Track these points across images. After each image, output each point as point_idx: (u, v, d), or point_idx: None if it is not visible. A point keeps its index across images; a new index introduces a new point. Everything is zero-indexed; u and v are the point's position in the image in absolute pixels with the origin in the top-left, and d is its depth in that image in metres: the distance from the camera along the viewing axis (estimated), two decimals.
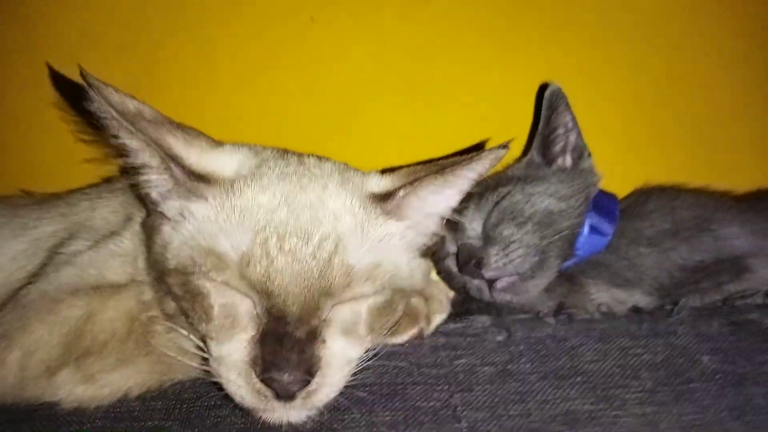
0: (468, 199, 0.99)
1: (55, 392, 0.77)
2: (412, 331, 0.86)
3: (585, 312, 0.92)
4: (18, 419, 0.76)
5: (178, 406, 0.77)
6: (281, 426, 0.72)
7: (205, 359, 0.74)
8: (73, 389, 0.77)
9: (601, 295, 0.98)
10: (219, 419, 0.75)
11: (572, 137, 1.09)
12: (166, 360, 0.79)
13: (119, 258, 0.87)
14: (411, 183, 0.78)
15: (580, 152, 1.09)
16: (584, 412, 0.73)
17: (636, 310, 0.91)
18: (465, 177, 0.79)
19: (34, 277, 0.88)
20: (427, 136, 1.23)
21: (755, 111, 1.28)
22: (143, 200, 0.85)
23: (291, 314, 0.69)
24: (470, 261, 0.97)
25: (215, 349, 0.71)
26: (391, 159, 1.06)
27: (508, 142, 0.79)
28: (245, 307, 0.71)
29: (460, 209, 0.91)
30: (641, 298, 0.97)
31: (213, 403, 0.77)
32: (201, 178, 0.75)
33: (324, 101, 1.26)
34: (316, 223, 0.73)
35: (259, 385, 0.67)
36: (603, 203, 1.05)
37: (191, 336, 0.75)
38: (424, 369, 0.81)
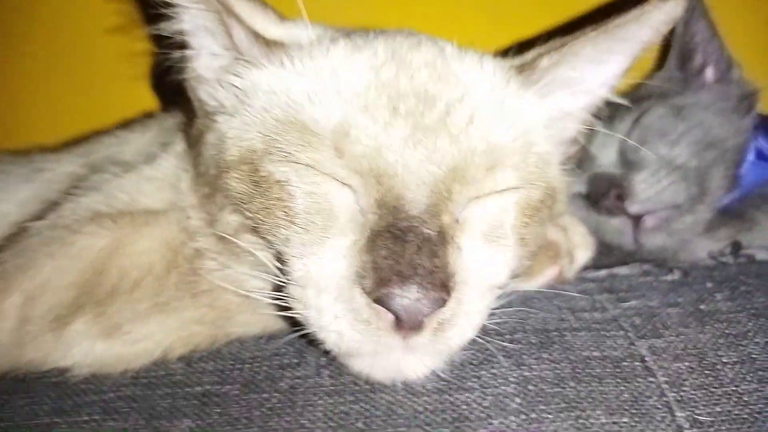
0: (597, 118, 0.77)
1: (67, 351, 0.55)
2: (552, 270, 0.64)
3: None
4: (12, 391, 0.54)
5: (239, 366, 0.55)
6: (394, 383, 0.48)
7: (280, 291, 0.51)
8: (92, 347, 0.55)
9: None
10: (297, 381, 0.52)
11: (713, 47, 0.87)
12: (221, 305, 0.57)
13: (156, 182, 0.66)
14: (558, 48, 0.57)
15: (727, 64, 0.86)
16: None
17: None
18: (632, 39, 0.58)
19: (44, 211, 0.67)
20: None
21: None
22: (187, 107, 0.64)
23: (415, 204, 0.47)
24: (609, 192, 0.75)
25: (299, 265, 0.48)
26: None
27: None
28: (343, 199, 0.49)
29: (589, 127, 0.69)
30: None
31: (287, 362, 0.54)
32: (272, 43, 0.56)
33: None
34: (440, 85, 0.52)
35: (369, 310, 0.44)
36: None
37: (262, 257, 0.52)
38: (581, 313, 0.57)
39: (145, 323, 0.56)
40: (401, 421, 0.48)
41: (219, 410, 0.50)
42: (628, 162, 0.77)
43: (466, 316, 0.47)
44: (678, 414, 0.47)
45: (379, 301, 0.44)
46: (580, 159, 0.81)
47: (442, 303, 0.44)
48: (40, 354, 0.55)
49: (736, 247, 0.70)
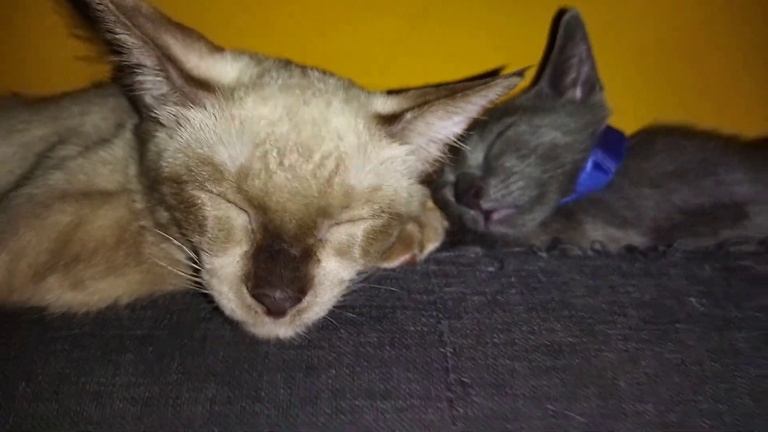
0: (471, 127, 0.97)
1: (44, 297, 0.77)
2: (405, 257, 0.85)
3: (579, 248, 0.91)
4: (4, 323, 0.77)
5: (168, 316, 0.77)
6: (269, 341, 0.72)
7: (197, 270, 0.73)
8: (62, 294, 0.77)
9: (597, 233, 0.97)
10: (208, 331, 0.75)
11: (585, 69, 1.06)
12: (157, 270, 0.79)
13: (110, 165, 0.85)
14: (420, 106, 0.76)
15: (593, 85, 1.06)
16: (567, 345, 0.74)
17: (630, 249, 0.90)
18: (475, 103, 0.76)
19: (23, 180, 0.86)
20: (438, 62, 1.19)
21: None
22: (136, 105, 0.82)
23: (287, 231, 0.68)
24: (469, 191, 0.96)
25: (208, 261, 0.71)
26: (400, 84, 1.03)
27: (524, 69, 0.76)
28: (240, 221, 0.70)
29: (463, 137, 0.89)
30: (636, 238, 0.97)
31: (203, 315, 0.77)
32: (199, 84, 0.72)
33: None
34: (318, 140, 0.71)
35: (250, 300, 0.67)
36: (610, 140, 1.03)
37: (184, 247, 0.74)
38: (415, 295, 0.81)
39: (100, 281, 0.77)
40: (272, 366, 0.71)
41: (152, 348, 0.73)
42: (489, 166, 0.98)
43: (319, 304, 0.71)
44: (451, 375, 0.71)
45: (255, 297, 0.67)
46: (456, 156, 1.03)
47: (299, 300, 0.67)
48: (24, 297, 0.77)
49: (554, 242, 0.93)
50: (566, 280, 0.82)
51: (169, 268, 0.76)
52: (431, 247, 0.89)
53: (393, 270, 0.85)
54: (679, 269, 0.84)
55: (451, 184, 1.03)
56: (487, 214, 0.97)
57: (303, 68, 0.81)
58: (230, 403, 0.68)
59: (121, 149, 0.87)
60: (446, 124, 0.79)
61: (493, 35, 1.19)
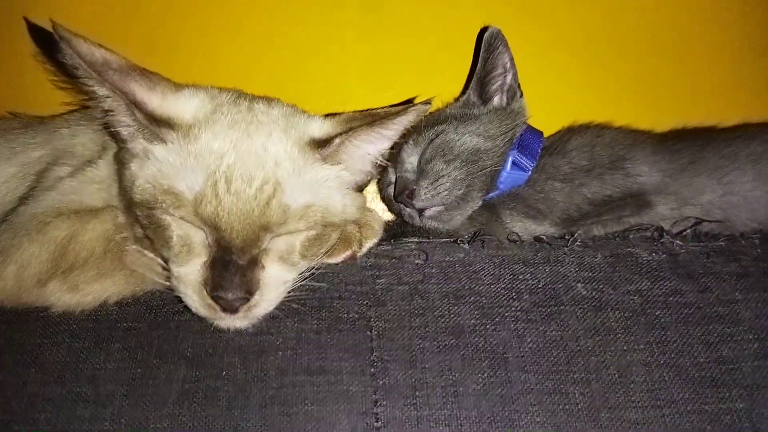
0: (409, 134, 1.13)
1: (47, 299, 0.94)
2: (346, 254, 1.02)
3: (498, 239, 1.07)
4: (16, 321, 0.94)
5: (148, 311, 0.95)
6: (229, 330, 0.90)
7: (168, 277, 0.91)
8: (62, 297, 0.94)
9: (515, 225, 1.13)
10: (181, 323, 0.93)
11: (509, 78, 1.20)
12: (138, 274, 0.96)
13: (96, 185, 1.01)
14: (346, 132, 0.91)
15: (514, 93, 1.20)
16: (469, 326, 0.90)
17: (538, 239, 1.05)
18: (393, 129, 0.93)
19: (24, 199, 1.03)
20: (371, 79, 1.34)
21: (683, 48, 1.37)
22: (114, 137, 0.98)
23: (235, 245, 0.84)
24: (404, 192, 1.12)
25: (175, 270, 0.88)
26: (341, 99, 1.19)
27: (430, 99, 0.92)
28: (199, 238, 0.86)
29: (401, 143, 1.06)
30: (549, 229, 1.13)
31: (177, 309, 0.94)
32: (162, 122, 0.87)
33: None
34: (258, 168, 0.86)
35: (209, 300, 0.85)
36: (527, 140, 1.18)
37: (156, 258, 0.91)
38: (350, 286, 0.98)
39: (92, 284, 0.94)
40: (231, 350, 0.89)
41: (135, 339, 0.91)
42: (421, 171, 1.14)
43: (266, 301, 0.88)
44: (374, 354, 0.88)
45: (213, 298, 0.84)
46: (397, 159, 1.19)
47: (247, 300, 0.84)
48: (30, 300, 0.94)
49: (475, 234, 1.09)
50: (477, 270, 0.99)
51: (146, 274, 0.93)
52: (369, 243, 1.05)
53: (336, 265, 1.02)
54: (574, 257, 1.00)
55: (393, 184, 1.19)
56: (421, 212, 1.13)
57: (251, 101, 0.96)
58: (197, 381, 0.86)
59: (105, 169, 1.03)
60: (370, 146, 0.94)
61: (424, 50, 1.34)
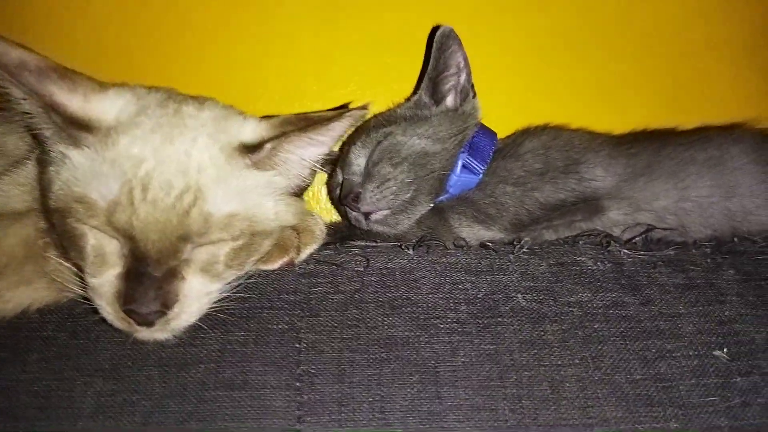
0: (357, 135, 1.09)
1: None
2: (283, 260, 0.98)
3: (443, 245, 1.03)
4: None
5: (69, 319, 0.91)
6: (150, 342, 0.86)
7: (85, 286, 0.87)
8: None
9: (463, 230, 1.09)
10: (101, 332, 0.89)
11: (462, 78, 1.16)
12: (60, 280, 0.92)
13: (21, 187, 0.98)
14: (277, 137, 0.87)
15: (467, 93, 1.16)
16: (402, 338, 0.87)
17: (483, 245, 1.02)
18: (327, 135, 0.88)
19: None
20: (321, 80, 1.30)
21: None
22: (37, 138, 0.94)
23: (150, 256, 0.80)
24: (349, 195, 1.08)
25: (89, 280, 0.84)
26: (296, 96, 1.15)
27: (367, 104, 0.88)
28: (113, 248, 0.82)
29: (349, 142, 1.02)
30: (498, 234, 1.09)
31: (98, 318, 0.90)
32: (80, 126, 0.83)
33: None
34: (179, 175, 0.82)
35: (123, 314, 0.81)
36: (479, 143, 1.14)
37: (72, 267, 0.87)
38: (284, 295, 0.94)
39: (13, 291, 0.90)
40: (151, 362, 0.85)
41: (55, 349, 0.87)
42: (368, 173, 1.10)
43: (187, 313, 0.84)
44: (301, 367, 0.84)
45: (125, 312, 0.80)
46: (345, 161, 1.15)
47: (164, 314, 0.81)
48: None
49: (420, 240, 1.05)
50: (417, 278, 0.95)
51: (64, 283, 0.89)
52: (309, 249, 1.01)
53: (272, 272, 0.98)
54: (519, 265, 0.96)
55: (340, 185, 1.15)
56: (366, 215, 1.09)
57: (181, 103, 0.91)
58: (113, 394, 0.82)
59: (32, 170, 0.99)
60: (305, 151, 0.90)
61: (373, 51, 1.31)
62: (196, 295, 0.85)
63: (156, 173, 0.81)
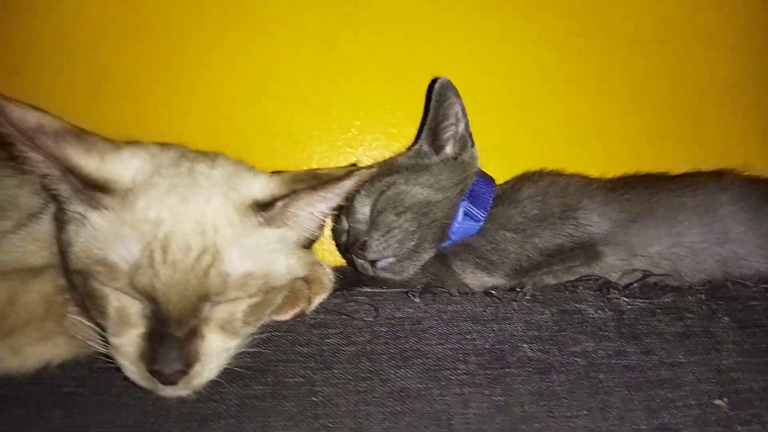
0: (357, 189, 1.13)
1: None
2: (294, 311, 1.01)
3: (449, 292, 1.07)
4: None
5: (91, 374, 0.93)
6: (172, 398, 0.89)
7: (106, 344, 0.89)
8: (3, 359, 0.92)
9: (466, 276, 1.13)
10: (124, 388, 0.91)
11: (461, 127, 1.20)
12: (81, 336, 0.94)
13: (37, 242, 0.99)
14: (288, 195, 0.90)
15: (465, 142, 1.21)
16: (415, 390, 0.90)
17: (487, 293, 1.05)
18: (335, 192, 0.92)
19: None
20: (323, 125, 1.35)
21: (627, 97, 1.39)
22: (54, 197, 0.96)
23: (172, 317, 0.83)
24: (356, 243, 1.12)
25: (112, 340, 0.86)
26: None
27: (373, 165, 0.92)
28: (135, 309, 0.85)
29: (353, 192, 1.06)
30: (500, 280, 1.13)
31: (119, 375, 0.92)
32: (98, 188, 0.85)
33: None
34: (197, 236, 0.85)
35: (147, 374, 0.83)
36: (479, 190, 1.18)
37: (93, 326, 0.90)
38: (298, 347, 0.97)
39: (34, 347, 0.93)
40: (173, 418, 0.88)
41: (76, 405, 0.90)
42: (373, 222, 1.14)
43: (207, 370, 0.86)
44: (319, 421, 0.87)
45: (150, 372, 0.83)
46: (350, 209, 1.18)
47: (186, 373, 0.83)
48: None
49: (426, 287, 1.09)
50: (425, 328, 0.98)
51: (85, 340, 0.91)
52: (318, 299, 1.05)
53: (285, 323, 1.01)
54: (522, 313, 1.00)
55: (346, 232, 1.19)
56: (373, 263, 1.13)
57: (193, 162, 0.93)
58: None
59: (48, 225, 1.01)
60: (314, 208, 0.94)
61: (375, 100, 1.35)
62: (216, 352, 0.87)
63: (174, 235, 0.84)
